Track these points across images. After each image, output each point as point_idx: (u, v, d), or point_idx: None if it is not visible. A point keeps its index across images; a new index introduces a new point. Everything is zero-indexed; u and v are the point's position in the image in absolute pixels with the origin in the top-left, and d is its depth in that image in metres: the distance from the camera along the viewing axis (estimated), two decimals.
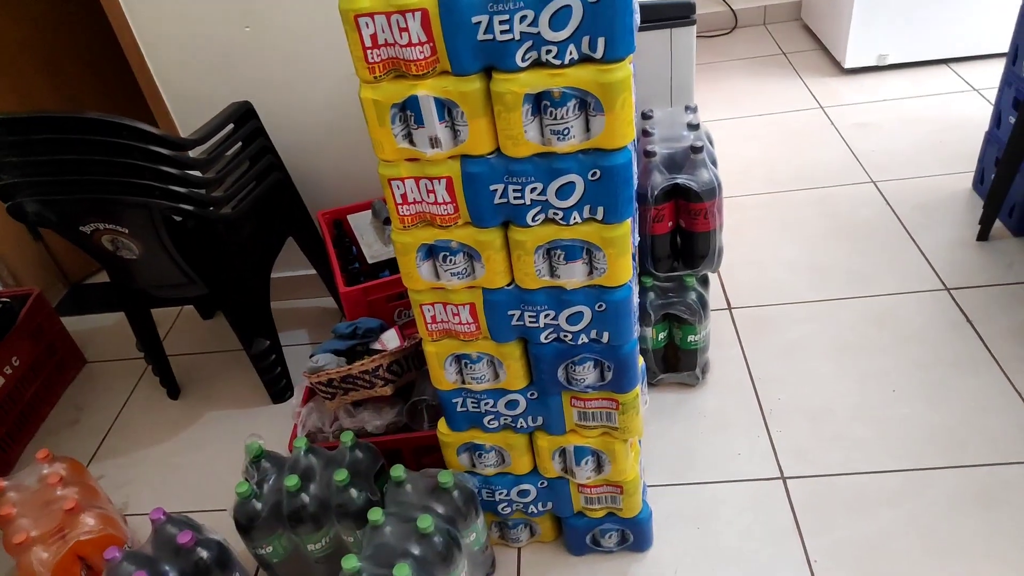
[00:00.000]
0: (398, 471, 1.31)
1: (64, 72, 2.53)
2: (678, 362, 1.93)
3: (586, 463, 1.40)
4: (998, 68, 2.28)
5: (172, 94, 2.06)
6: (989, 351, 1.89)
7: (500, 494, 1.49)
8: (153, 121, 2.08)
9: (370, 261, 1.98)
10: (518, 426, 1.37)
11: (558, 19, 0.92)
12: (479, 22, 0.93)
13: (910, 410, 1.79)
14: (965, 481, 1.61)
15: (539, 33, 0.94)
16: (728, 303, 2.18)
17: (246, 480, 1.41)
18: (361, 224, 2.08)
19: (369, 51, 0.98)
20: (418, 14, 0.94)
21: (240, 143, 1.89)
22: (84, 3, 2.05)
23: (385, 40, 0.97)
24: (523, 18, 0.93)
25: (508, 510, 1.52)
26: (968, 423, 1.73)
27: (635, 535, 1.54)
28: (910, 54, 3.17)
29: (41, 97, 2.49)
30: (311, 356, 1.66)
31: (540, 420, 1.36)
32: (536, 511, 1.52)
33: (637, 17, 1.00)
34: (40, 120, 1.63)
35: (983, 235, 2.23)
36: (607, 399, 1.31)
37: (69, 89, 2.55)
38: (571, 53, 0.95)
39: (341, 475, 1.34)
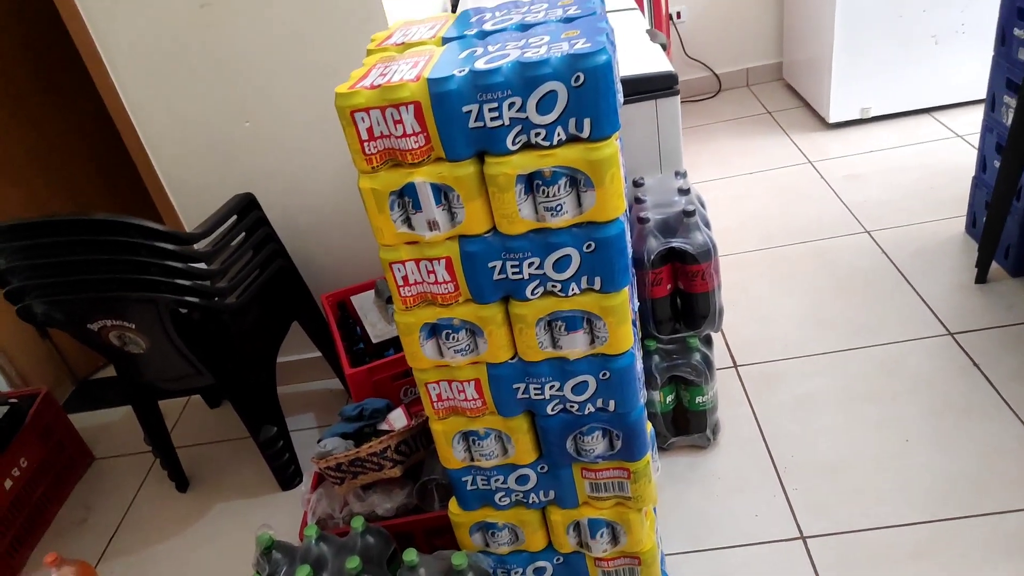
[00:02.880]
0: (411, 555, 1.29)
1: (70, 174, 2.60)
2: (688, 424, 1.92)
3: (601, 535, 1.38)
4: (978, 114, 2.34)
5: (176, 188, 2.12)
6: (999, 394, 1.88)
7: (516, 573, 1.46)
8: (158, 215, 2.14)
9: (374, 340, 1.99)
10: (530, 501, 1.36)
11: (544, 104, 0.96)
12: (470, 111, 0.97)
13: (926, 459, 1.77)
14: (991, 529, 1.58)
15: (527, 118, 0.97)
16: (734, 361, 2.18)
17: (257, 573, 1.38)
18: (364, 304, 2.10)
19: (366, 143, 1.02)
20: (411, 107, 0.98)
21: (243, 233, 1.93)
22: (88, 106, 2.13)
23: (381, 132, 1.01)
24: (511, 105, 0.96)
25: None
26: (986, 469, 1.71)
27: None
28: (892, 105, 3.25)
29: (47, 198, 2.56)
30: (319, 441, 1.65)
31: (552, 494, 1.35)
32: None
33: (620, 96, 1.04)
34: (47, 224, 1.67)
35: (981, 278, 2.25)
36: (618, 468, 1.30)
37: (75, 190, 2.62)
38: (559, 134, 0.98)
39: (353, 563, 1.32)
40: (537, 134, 0.99)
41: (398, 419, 1.64)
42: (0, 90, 2.41)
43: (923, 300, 2.24)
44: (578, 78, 0.94)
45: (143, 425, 2.11)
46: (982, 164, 2.32)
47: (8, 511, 2.03)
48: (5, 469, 2.05)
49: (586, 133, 0.98)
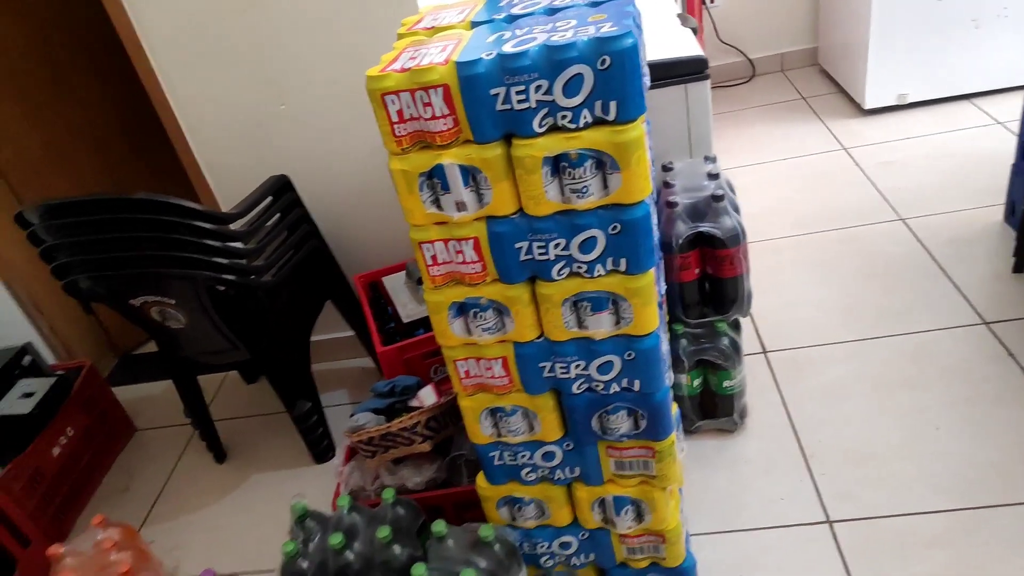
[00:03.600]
0: (440, 526, 1.33)
1: (112, 155, 2.68)
2: (715, 408, 1.93)
3: (626, 513, 1.40)
4: (1019, 100, 2.29)
5: (212, 170, 2.18)
6: None
7: (541, 547, 1.49)
8: (195, 196, 2.20)
9: (405, 320, 2.03)
10: (556, 477, 1.39)
11: (571, 87, 0.98)
12: (497, 94, 1.00)
13: (955, 447, 1.76)
14: (1019, 519, 1.57)
15: (554, 100, 0.99)
16: (763, 347, 2.18)
17: (292, 540, 1.44)
18: (395, 285, 2.14)
19: (396, 125, 1.05)
20: (440, 89, 1.00)
21: (278, 214, 1.98)
22: (130, 89, 2.19)
23: (410, 115, 1.04)
24: (538, 88, 0.98)
25: (550, 563, 1.52)
26: (1016, 459, 1.70)
27: None
28: (930, 92, 3.19)
29: (92, 180, 2.64)
30: (351, 416, 1.70)
31: (577, 471, 1.37)
32: (579, 563, 1.52)
33: (647, 79, 1.05)
34: (92, 203, 1.73)
35: (1018, 267, 2.21)
36: (643, 447, 1.32)
37: (117, 171, 2.69)
38: (585, 117, 1.00)
39: (384, 532, 1.36)
40: (563, 116, 1.01)
41: (428, 396, 1.68)
42: (44, 74, 2.49)
43: (958, 288, 2.21)
44: (604, 61, 0.96)
45: (183, 398, 2.18)
46: (1022, 151, 2.27)
47: (56, 477, 2.12)
48: (53, 437, 2.15)
49: (612, 116, 1.00)
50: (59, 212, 1.75)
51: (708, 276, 1.77)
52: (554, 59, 0.97)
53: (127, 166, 2.72)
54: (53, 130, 2.54)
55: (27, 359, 2.30)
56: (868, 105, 3.25)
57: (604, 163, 1.03)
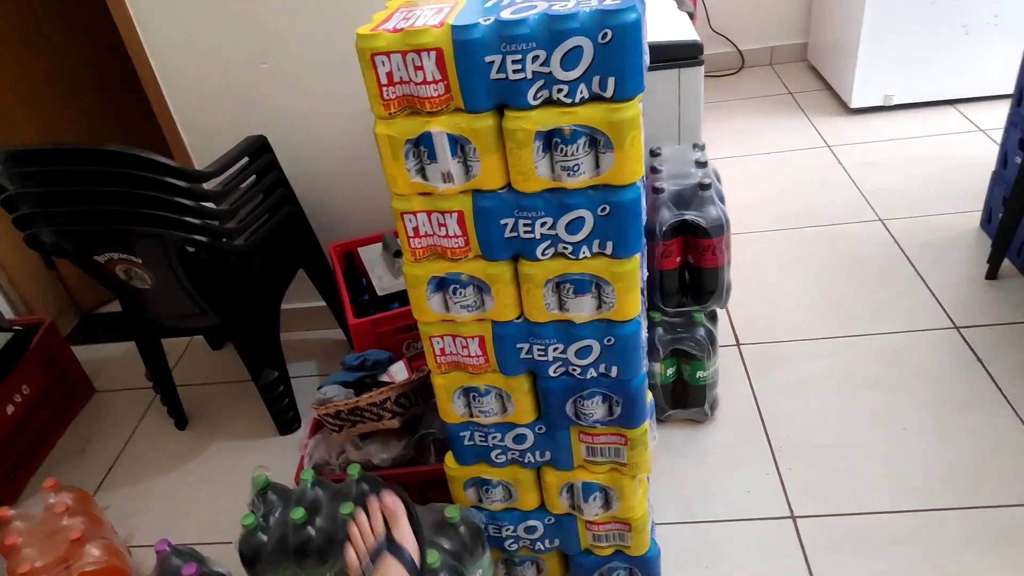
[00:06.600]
0: None
1: (84, 105, 2.58)
2: (687, 398, 1.92)
3: (594, 499, 1.39)
4: (1003, 109, 2.31)
5: (188, 127, 2.11)
6: (1000, 390, 1.88)
7: (507, 530, 1.48)
8: (169, 153, 2.12)
9: (380, 293, 1.99)
10: (526, 461, 1.37)
11: (569, 59, 0.94)
12: (492, 62, 0.96)
13: (921, 449, 1.77)
14: (978, 522, 1.59)
15: (551, 73, 0.96)
16: (737, 339, 2.18)
17: (252, 512, 1.40)
18: (371, 257, 2.09)
19: (385, 88, 1.00)
20: (433, 53, 0.96)
21: (254, 176, 1.92)
22: (106, 39, 2.10)
23: (400, 78, 0.99)
24: (535, 58, 0.95)
25: (515, 546, 1.50)
26: (980, 463, 1.72)
27: (643, 574, 1.52)
28: (916, 95, 3.20)
29: (61, 129, 2.54)
30: (319, 388, 1.66)
31: (548, 455, 1.35)
32: (543, 548, 1.50)
33: (647, 57, 1.02)
34: (59, 152, 1.66)
35: (992, 274, 2.23)
36: (616, 434, 1.30)
37: (88, 122, 2.60)
38: (582, 92, 0.97)
39: (347, 508, 1.33)
40: (559, 90, 0.97)
41: (399, 372, 1.65)
42: (18, 17, 2.38)
43: (931, 292, 2.23)
44: (605, 35, 0.92)
45: (145, 361, 2.12)
46: (1003, 160, 2.29)
47: (9, 436, 2.05)
48: (7, 395, 2.07)
49: (609, 92, 0.96)
50: (24, 160, 1.67)
51: (689, 265, 1.75)
52: (554, 29, 0.93)
53: (99, 118, 2.62)
54: (21, 74, 2.44)
55: None
56: (854, 104, 3.25)
57: (598, 141, 1.00)
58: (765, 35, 3.88)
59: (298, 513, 1.33)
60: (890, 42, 3.06)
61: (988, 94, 3.17)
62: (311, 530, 1.36)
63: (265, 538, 1.38)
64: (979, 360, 1.98)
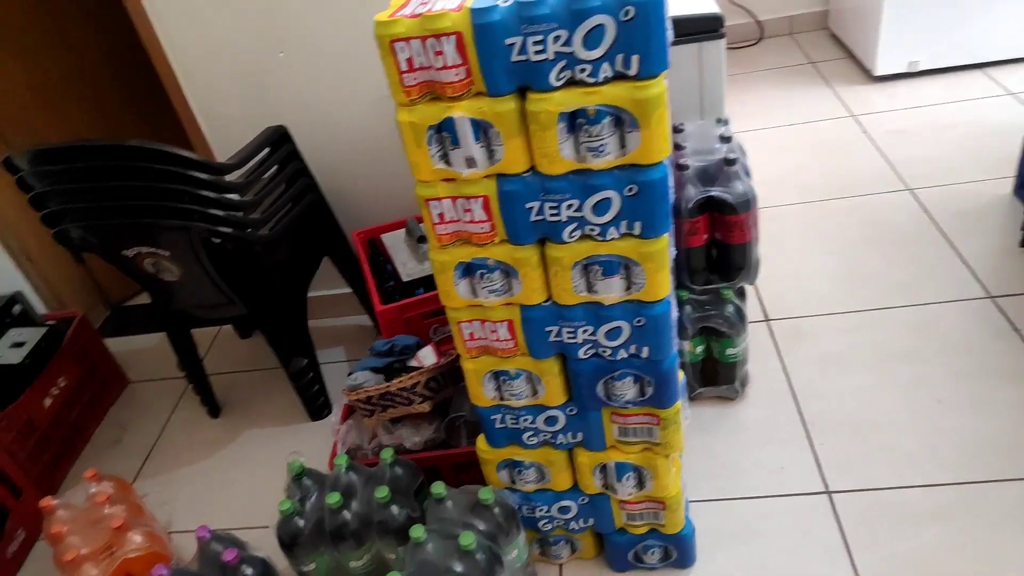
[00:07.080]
0: (439, 488, 1.32)
1: (103, 101, 2.60)
2: (717, 376, 1.91)
3: (627, 479, 1.39)
4: None
5: (207, 118, 2.11)
6: None
7: (541, 511, 1.48)
8: (189, 145, 2.13)
9: (405, 279, 1.99)
10: (558, 442, 1.37)
11: (592, 38, 0.93)
12: (513, 44, 0.95)
13: (957, 421, 1.75)
14: (1016, 494, 1.57)
15: (573, 52, 0.94)
16: (766, 315, 2.16)
17: (288, 498, 1.42)
18: (395, 243, 2.10)
19: (405, 75, 1.00)
20: (453, 37, 0.95)
21: (276, 166, 1.93)
22: (122, 34, 2.11)
23: (420, 64, 0.99)
24: (557, 38, 0.93)
25: (549, 527, 1.51)
26: (1017, 434, 1.69)
27: (678, 552, 1.53)
28: (942, 60, 3.12)
29: (82, 126, 2.56)
30: (349, 374, 1.67)
31: (580, 436, 1.36)
32: (577, 528, 1.51)
33: (671, 33, 1.00)
34: (83, 149, 1.68)
35: None
36: (648, 415, 1.30)
37: (108, 118, 2.62)
38: (605, 71, 0.95)
39: (382, 492, 1.35)
40: (582, 70, 0.96)
41: (428, 356, 1.65)
42: (36, 17, 2.40)
43: (964, 261, 2.19)
44: (628, 12, 0.91)
45: (176, 352, 2.15)
46: None
47: (48, 428, 2.10)
48: (44, 388, 2.12)
49: (633, 71, 0.95)
50: (49, 158, 1.69)
51: (716, 242, 1.73)
52: (575, 8, 0.91)
53: (119, 114, 2.64)
54: (42, 74, 2.46)
55: (17, 308, 2.26)
56: (878, 72, 3.18)
57: (623, 121, 0.99)
58: (784, 4, 3.79)
59: (334, 498, 1.35)
60: (914, 6, 2.97)
61: (1018, 56, 3.08)
62: (347, 514, 1.38)
63: (302, 523, 1.40)
64: (1016, 330, 1.94)
